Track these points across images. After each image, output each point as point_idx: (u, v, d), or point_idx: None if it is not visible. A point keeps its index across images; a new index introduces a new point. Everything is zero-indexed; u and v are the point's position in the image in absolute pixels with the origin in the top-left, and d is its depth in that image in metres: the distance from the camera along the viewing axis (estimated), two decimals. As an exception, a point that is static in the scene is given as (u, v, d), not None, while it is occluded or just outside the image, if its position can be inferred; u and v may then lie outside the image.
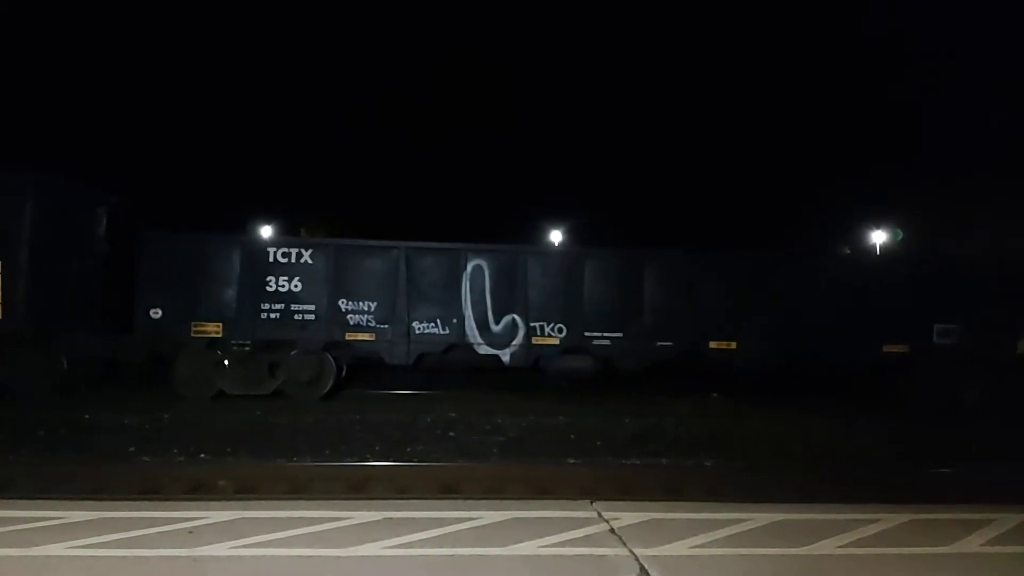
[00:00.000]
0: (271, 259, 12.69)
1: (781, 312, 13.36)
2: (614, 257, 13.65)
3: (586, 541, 4.90)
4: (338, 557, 4.53)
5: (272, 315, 12.62)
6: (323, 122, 42.85)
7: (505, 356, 13.18)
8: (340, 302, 12.77)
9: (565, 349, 13.32)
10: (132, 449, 9.37)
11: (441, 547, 4.72)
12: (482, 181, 35.25)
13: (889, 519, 5.46)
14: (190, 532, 4.89)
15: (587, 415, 11.89)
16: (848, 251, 25.63)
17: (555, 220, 29.89)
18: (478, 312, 13.09)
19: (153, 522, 5.06)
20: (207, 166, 32.19)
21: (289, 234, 26.01)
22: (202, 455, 9.23)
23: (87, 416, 10.89)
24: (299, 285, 12.68)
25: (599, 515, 5.43)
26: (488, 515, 5.37)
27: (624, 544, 4.82)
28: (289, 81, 42.01)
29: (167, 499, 6.66)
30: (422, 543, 4.78)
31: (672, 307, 13.33)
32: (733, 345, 13.29)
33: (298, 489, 7.58)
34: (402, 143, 39.77)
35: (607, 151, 38.13)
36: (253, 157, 34.43)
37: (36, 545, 4.57)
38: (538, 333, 13.16)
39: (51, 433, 10.01)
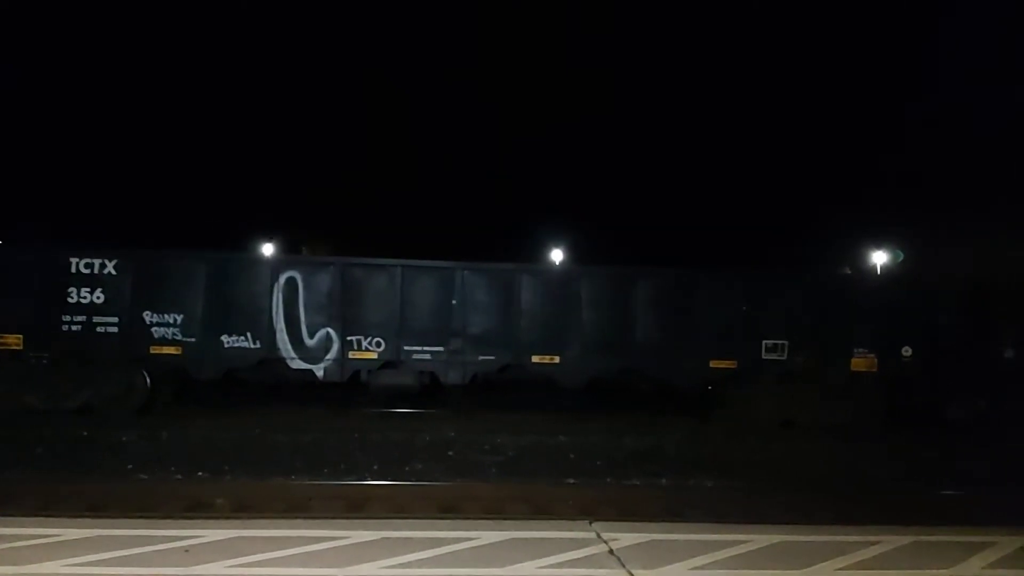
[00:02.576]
0: (73, 270, 12.37)
1: (604, 327, 13.24)
2: (432, 270, 13.35)
3: (585, 562, 4.88)
4: (335, 577, 4.51)
5: (74, 327, 12.29)
6: (327, 139, 43.16)
7: (319, 371, 12.78)
8: (145, 314, 12.44)
9: (384, 363, 12.99)
10: (130, 467, 9.33)
11: (439, 567, 4.70)
12: (487, 198, 35.49)
13: (890, 541, 5.43)
14: (186, 551, 4.87)
15: (587, 434, 11.86)
16: (848, 271, 25.63)
17: (557, 239, 30.08)
18: (291, 326, 12.75)
19: (149, 540, 5.04)
20: (213, 182, 32.46)
21: (291, 251, 26.10)
22: (200, 473, 9.19)
23: (85, 433, 10.87)
24: (101, 297, 12.36)
25: (598, 536, 5.40)
26: (487, 535, 5.35)
27: (623, 566, 4.80)
28: (293, 97, 42.44)
29: (164, 517, 6.62)
30: (420, 563, 4.75)
31: (493, 321, 13.12)
32: (556, 359, 13.12)
33: (296, 508, 7.54)
34: (407, 158, 40.04)
35: (601, 167, 38.43)
36: (260, 174, 34.69)
37: (33, 563, 4.56)
38: (355, 347, 12.81)
39: (49, 450, 9.98)
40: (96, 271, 12.44)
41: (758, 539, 5.42)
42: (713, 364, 13.23)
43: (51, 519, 5.83)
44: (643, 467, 10.01)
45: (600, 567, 4.79)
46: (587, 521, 5.88)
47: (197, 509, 7.48)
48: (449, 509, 7.65)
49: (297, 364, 12.76)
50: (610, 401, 14.33)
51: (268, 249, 26.24)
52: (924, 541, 5.50)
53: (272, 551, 4.87)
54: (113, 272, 12.47)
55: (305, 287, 12.85)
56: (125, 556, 4.74)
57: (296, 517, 6.89)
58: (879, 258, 27.73)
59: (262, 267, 12.97)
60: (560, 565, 4.80)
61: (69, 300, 12.33)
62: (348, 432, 11.43)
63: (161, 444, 10.56)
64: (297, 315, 12.79)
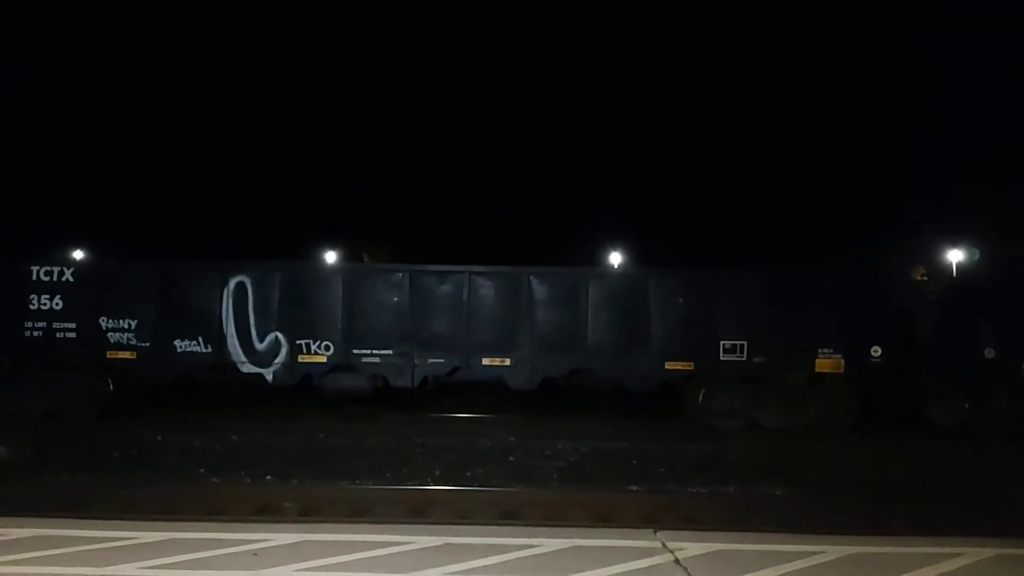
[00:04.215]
0: (34, 277, 12.74)
1: (556, 328, 12.96)
2: (379, 273, 13.35)
3: (650, 572, 4.78)
4: (399, 582, 4.53)
5: (35, 333, 12.64)
6: (387, 146, 43.91)
7: (268, 375, 12.84)
8: (101, 320, 12.73)
9: (333, 367, 13.00)
10: (202, 471, 9.61)
11: (501, 574, 4.68)
12: (548, 201, 35.61)
13: (973, 553, 5.18)
14: (254, 554, 4.97)
15: (648, 440, 11.69)
16: (924, 271, 24.70)
17: (613, 242, 30.08)
18: (241, 330, 12.85)
19: (220, 543, 5.17)
20: (280, 193, 33.40)
21: (354, 259, 26.57)
22: (268, 477, 9.40)
23: (159, 438, 11.25)
24: (60, 303, 12.69)
25: (663, 545, 5.30)
26: (548, 543, 5.30)
27: (690, 576, 4.69)
28: (348, 109, 43.28)
29: (234, 520, 6.78)
30: (482, 570, 4.74)
31: (442, 323, 12.99)
32: (507, 361, 12.93)
33: (360, 512, 7.63)
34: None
35: (654, 165, 38.08)
36: (323, 183, 35.55)
37: (110, 564, 4.72)
38: (304, 351, 12.85)
39: (124, 454, 10.36)
40: (55, 278, 12.85)
41: (831, 550, 5.23)
42: (668, 366, 12.93)
43: (128, 522, 6.03)
44: (707, 473, 9.83)
45: (666, 577, 4.70)
46: (651, 530, 5.78)
47: (265, 512, 7.66)
48: (510, 515, 7.63)
49: (248, 368, 12.91)
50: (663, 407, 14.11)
51: (331, 257, 26.76)
52: (1008, 554, 5.23)
53: (338, 555, 4.93)
54: (71, 279, 12.86)
55: (255, 292, 12.99)
56: (197, 559, 4.87)
57: (361, 521, 6.97)
58: (955, 256, 26.66)
59: (212, 272, 13.11)
60: (624, 575, 4.72)
61: (31, 307, 12.76)
62: (409, 436, 11.55)
63: (231, 448, 10.85)
64: (247, 320, 12.95)
